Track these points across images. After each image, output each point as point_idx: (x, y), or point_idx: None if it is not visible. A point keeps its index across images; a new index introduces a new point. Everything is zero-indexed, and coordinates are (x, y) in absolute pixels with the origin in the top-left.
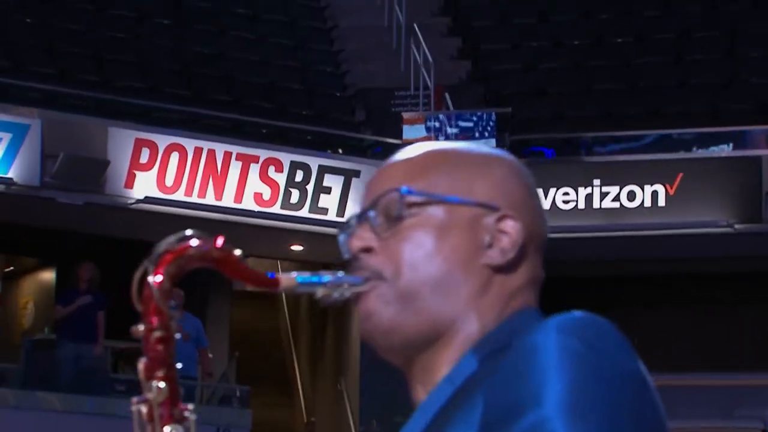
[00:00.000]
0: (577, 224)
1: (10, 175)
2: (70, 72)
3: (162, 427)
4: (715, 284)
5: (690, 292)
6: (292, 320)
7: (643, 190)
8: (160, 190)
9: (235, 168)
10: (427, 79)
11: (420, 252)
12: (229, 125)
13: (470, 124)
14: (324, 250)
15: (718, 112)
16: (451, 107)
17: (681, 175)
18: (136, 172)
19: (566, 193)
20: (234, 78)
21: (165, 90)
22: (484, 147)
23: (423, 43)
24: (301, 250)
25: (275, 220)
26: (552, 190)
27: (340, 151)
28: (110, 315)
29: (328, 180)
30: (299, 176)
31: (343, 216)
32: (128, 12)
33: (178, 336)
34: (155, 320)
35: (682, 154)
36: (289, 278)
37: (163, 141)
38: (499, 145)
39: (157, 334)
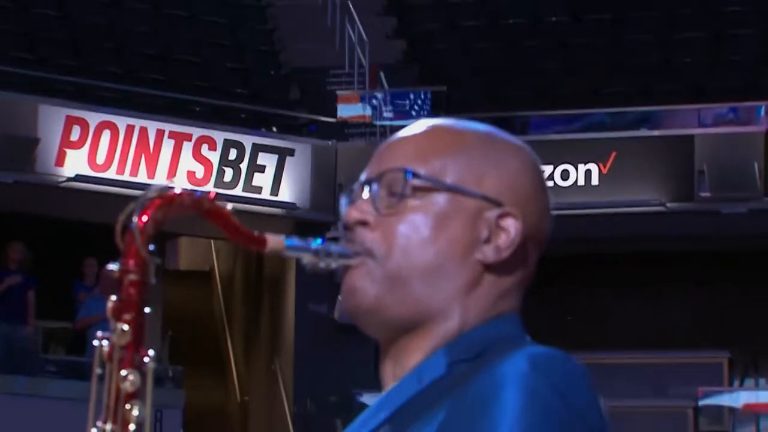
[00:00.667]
0: None
1: None
2: (0, 50)
3: (119, 370)
4: (647, 263)
5: (622, 271)
6: (227, 300)
7: (576, 169)
8: (92, 168)
9: (167, 146)
10: (362, 58)
11: (416, 237)
12: (162, 103)
13: (405, 103)
14: (258, 229)
15: (652, 92)
16: (387, 86)
17: (614, 153)
18: (67, 150)
19: None
20: (167, 56)
21: (97, 68)
22: (504, 134)
23: (358, 22)
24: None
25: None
26: None
27: (275, 129)
28: (41, 295)
29: (262, 158)
30: (233, 154)
31: (277, 195)
32: None
33: (153, 283)
34: (132, 263)
35: (615, 133)
36: (278, 240)
37: (94, 119)
38: None
39: (132, 276)
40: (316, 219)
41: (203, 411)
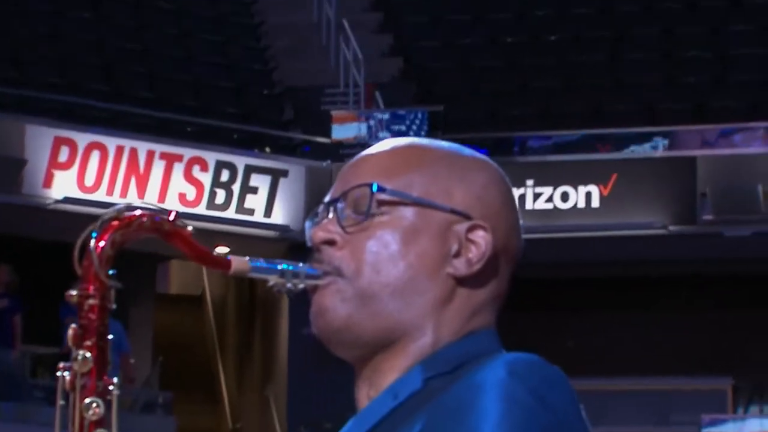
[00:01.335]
0: None
1: None
2: None
3: (83, 399)
4: (649, 287)
5: (624, 296)
6: (218, 325)
7: (576, 191)
8: (81, 190)
9: (158, 167)
10: (357, 76)
11: (385, 253)
12: (152, 123)
13: (402, 126)
14: (251, 252)
15: (653, 112)
16: (382, 105)
17: (615, 175)
18: (55, 172)
19: None
20: (158, 74)
21: (85, 86)
22: (469, 150)
23: (353, 40)
24: (225, 253)
25: (200, 221)
26: None
27: (268, 150)
28: (29, 319)
29: (255, 180)
30: (225, 176)
31: (270, 217)
32: (46, 5)
33: (113, 307)
34: (91, 288)
35: (616, 154)
36: (242, 261)
37: (83, 139)
38: None
39: (92, 301)
40: None
41: None
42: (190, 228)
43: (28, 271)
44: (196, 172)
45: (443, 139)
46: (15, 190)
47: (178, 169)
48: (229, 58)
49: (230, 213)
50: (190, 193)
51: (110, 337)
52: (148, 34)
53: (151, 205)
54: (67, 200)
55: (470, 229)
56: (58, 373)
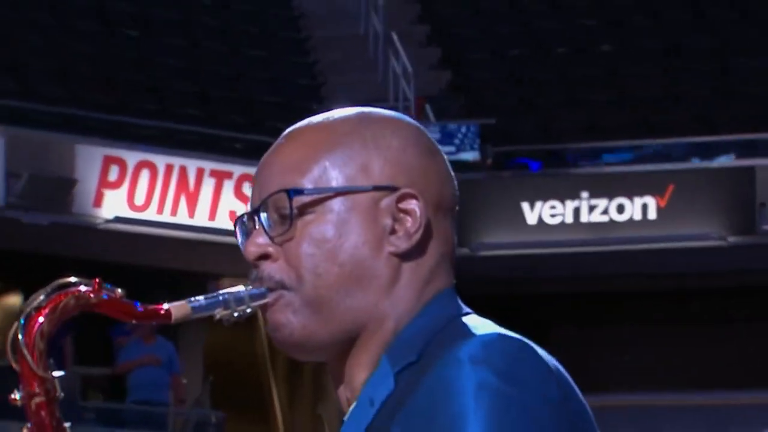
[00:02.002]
0: (564, 239)
1: None
2: (35, 88)
3: None
4: (707, 299)
5: (681, 308)
6: (270, 343)
7: (632, 203)
8: (131, 208)
9: (208, 185)
10: (407, 89)
11: (320, 253)
12: (201, 140)
13: (452, 135)
14: None
15: (708, 122)
16: (433, 118)
17: (672, 186)
18: (105, 191)
19: (553, 207)
20: (206, 92)
21: (135, 105)
22: (374, 112)
23: (402, 53)
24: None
25: None
26: (538, 204)
27: None
28: (79, 341)
29: None
30: None
31: None
32: (95, 24)
33: (61, 395)
34: (33, 385)
35: (672, 165)
36: (181, 306)
37: (132, 158)
38: (482, 157)
39: (38, 400)
40: None
41: None
42: (119, 291)
43: None
44: (247, 188)
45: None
46: (65, 210)
47: (228, 186)
48: (276, 73)
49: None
50: (241, 210)
51: (67, 425)
52: (196, 52)
53: (76, 279)
54: (118, 220)
55: (399, 200)
56: None
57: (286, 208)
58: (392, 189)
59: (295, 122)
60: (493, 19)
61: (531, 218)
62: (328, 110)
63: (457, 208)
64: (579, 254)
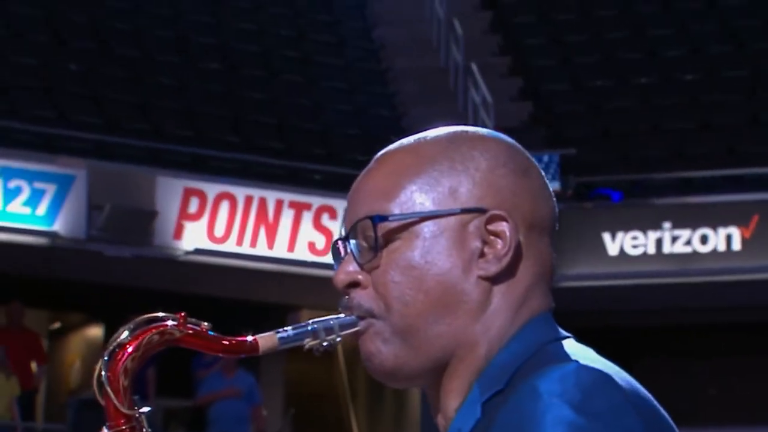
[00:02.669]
0: (647, 270)
1: (55, 228)
2: (116, 121)
3: None
4: None
5: (766, 341)
6: (350, 373)
7: (716, 233)
8: (210, 240)
9: (287, 216)
10: (487, 120)
11: (407, 281)
12: (280, 172)
13: None
14: None
15: None
16: None
17: (757, 216)
18: (185, 223)
19: (635, 238)
20: (286, 124)
21: (215, 137)
22: (463, 131)
23: (482, 84)
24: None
25: (330, 270)
26: (620, 235)
27: None
28: (162, 373)
29: None
30: None
31: None
32: (176, 58)
33: (148, 430)
34: (120, 422)
35: (757, 195)
36: (269, 337)
37: (212, 190)
38: (563, 188)
39: None
40: None
41: None
42: (205, 324)
43: None
44: (325, 220)
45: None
46: (146, 242)
47: (307, 217)
48: (356, 105)
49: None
50: (320, 241)
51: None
52: (276, 84)
53: (160, 313)
54: (198, 251)
55: (488, 222)
56: None
57: (372, 236)
58: (481, 211)
59: (375, 154)
60: (573, 50)
61: (612, 249)
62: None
63: (556, 225)
64: (661, 286)
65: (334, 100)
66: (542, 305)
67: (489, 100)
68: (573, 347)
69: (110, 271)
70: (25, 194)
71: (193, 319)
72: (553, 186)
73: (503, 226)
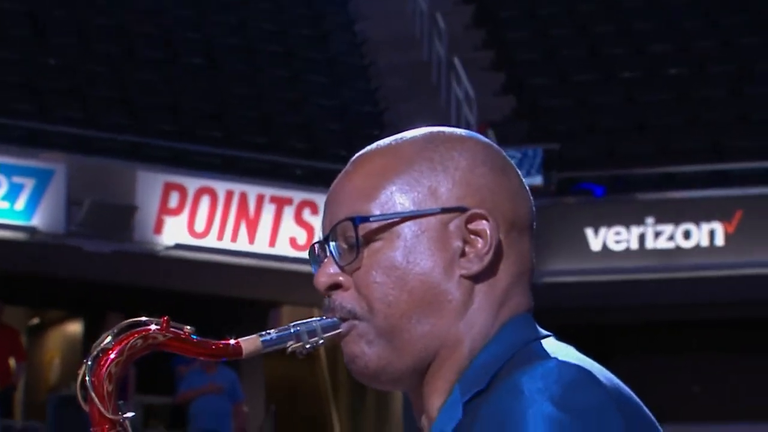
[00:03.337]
0: (629, 266)
1: (33, 223)
2: (96, 115)
3: None
4: None
5: (751, 337)
6: (332, 372)
7: (699, 229)
8: (191, 235)
9: (268, 211)
10: (470, 115)
11: (389, 281)
12: (261, 167)
13: (516, 161)
14: None
15: None
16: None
17: (740, 212)
18: (165, 218)
19: (618, 233)
20: (268, 118)
21: (197, 132)
22: (441, 132)
23: (464, 79)
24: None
25: (311, 266)
26: (603, 230)
27: None
28: (142, 370)
29: None
30: None
31: None
32: (158, 53)
33: None
34: (105, 427)
35: (740, 190)
36: (252, 340)
37: (192, 184)
38: (546, 183)
39: None
40: None
41: None
42: (188, 328)
43: None
44: (307, 215)
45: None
46: (126, 237)
47: (289, 212)
48: (339, 100)
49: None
50: (301, 236)
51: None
52: (258, 78)
53: (142, 318)
54: (178, 247)
55: (468, 221)
56: None
57: (353, 237)
58: (461, 210)
59: (358, 149)
60: (558, 44)
61: (595, 245)
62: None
63: (534, 224)
64: (644, 281)
65: (317, 95)
66: (522, 305)
67: (472, 95)
68: (553, 346)
69: (90, 267)
70: (3, 188)
71: (176, 324)
72: (536, 181)
73: (483, 225)
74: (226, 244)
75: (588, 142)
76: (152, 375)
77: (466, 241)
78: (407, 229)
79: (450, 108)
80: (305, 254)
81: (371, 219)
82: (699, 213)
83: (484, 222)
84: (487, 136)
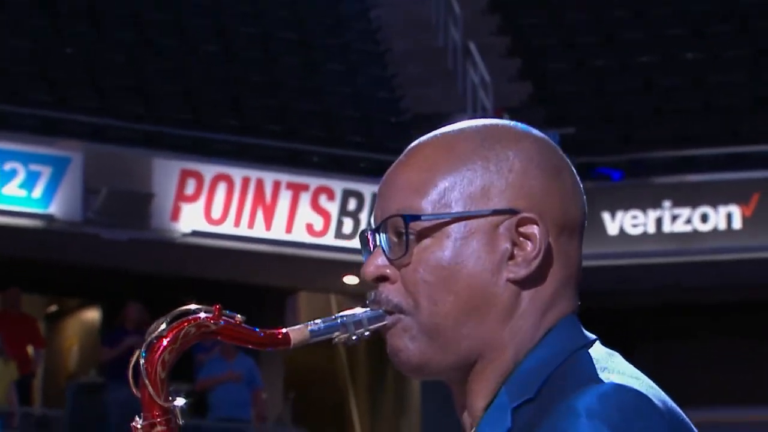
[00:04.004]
0: (646, 249)
1: (51, 211)
2: (113, 104)
3: None
4: None
5: (766, 320)
6: (350, 358)
7: (716, 212)
8: (208, 222)
9: (284, 198)
10: (486, 101)
11: (436, 280)
12: (278, 154)
13: None
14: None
15: None
16: None
17: (757, 195)
18: (182, 205)
19: (635, 217)
20: (284, 105)
21: (213, 120)
22: (499, 128)
23: (480, 64)
24: (355, 283)
25: (328, 252)
26: (619, 214)
27: None
28: None
29: None
30: (352, 205)
31: None
32: (174, 41)
33: (182, 423)
34: (154, 413)
35: (757, 173)
36: (300, 330)
37: (209, 171)
38: None
39: (159, 429)
40: None
41: None
42: (239, 316)
43: (157, 307)
44: (323, 201)
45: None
46: (143, 225)
47: (305, 198)
48: (355, 87)
49: (358, 243)
50: (317, 223)
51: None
52: (274, 66)
53: (196, 305)
54: (195, 234)
55: (519, 224)
56: None
57: (403, 233)
58: (512, 213)
59: (374, 136)
60: (574, 30)
61: (612, 229)
62: (408, 124)
63: (585, 224)
64: (661, 265)
65: (333, 83)
66: (568, 307)
67: (488, 80)
68: (603, 355)
69: (107, 254)
70: (20, 177)
71: (228, 311)
72: None
73: (534, 229)
74: (242, 230)
75: (604, 126)
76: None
77: (515, 244)
78: (457, 229)
79: (466, 94)
80: (322, 240)
81: (423, 218)
82: (716, 196)
83: (534, 226)
84: None
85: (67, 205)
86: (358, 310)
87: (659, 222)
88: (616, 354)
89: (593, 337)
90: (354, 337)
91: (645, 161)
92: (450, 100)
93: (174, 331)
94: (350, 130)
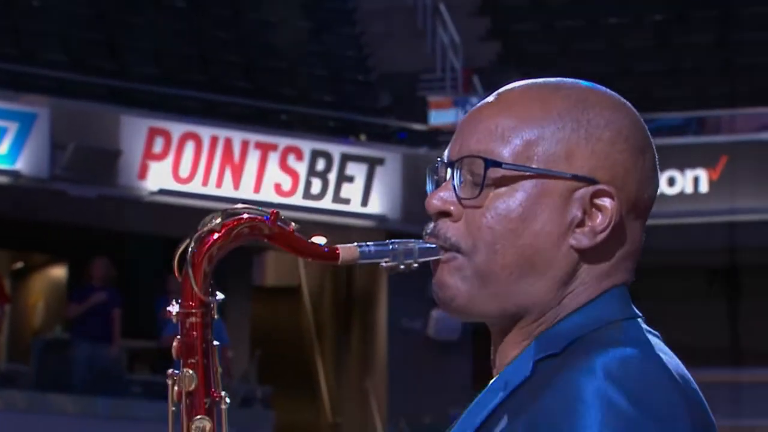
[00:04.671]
0: None
1: (17, 167)
2: (80, 59)
3: (191, 417)
4: (759, 275)
5: (736, 283)
6: (316, 317)
7: (684, 176)
8: (175, 180)
9: (253, 157)
10: (454, 61)
11: (501, 230)
12: (246, 113)
13: None
14: (347, 242)
15: (763, 94)
16: (480, 90)
17: (725, 158)
18: (150, 163)
19: None
20: (252, 63)
21: (181, 77)
22: (597, 94)
23: (450, 24)
24: (323, 243)
25: (296, 212)
26: None
27: (363, 137)
28: (125, 313)
29: (351, 168)
30: (321, 165)
31: (366, 206)
32: None
33: (216, 318)
34: (192, 304)
35: (725, 137)
36: (351, 249)
37: (177, 129)
38: None
39: (193, 319)
40: (407, 231)
41: None
42: (293, 225)
43: (124, 264)
44: (292, 161)
45: None
46: (111, 182)
47: (273, 158)
48: (323, 45)
49: (326, 203)
50: (286, 183)
51: (216, 343)
52: (242, 23)
53: (249, 205)
54: (163, 192)
55: (595, 195)
56: (168, 381)
57: (480, 176)
58: (591, 182)
59: (342, 94)
60: None
61: None
62: (376, 83)
63: (651, 208)
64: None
65: (301, 40)
66: (621, 280)
67: (457, 40)
68: (639, 331)
69: (74, 211)
70: None
71: (283, 218)
72: None
73: (607, 202)
74: (210, 189)
75: None
76: (136, 319)
77: (586, 213)
78: (534, 185)
79: (435, 53)
80: (290, 200)
81: (504, 166)
82: (683, 160)
83: (608, 200)
84: (472, 83)
85: (33, 161)
86: (411, 240)
87: None
88: (657, 335)
89: (638, 313)
90: (402, 266)
91: None
92: (419, 60)
93: (227, 228)
94: (318, 89)
